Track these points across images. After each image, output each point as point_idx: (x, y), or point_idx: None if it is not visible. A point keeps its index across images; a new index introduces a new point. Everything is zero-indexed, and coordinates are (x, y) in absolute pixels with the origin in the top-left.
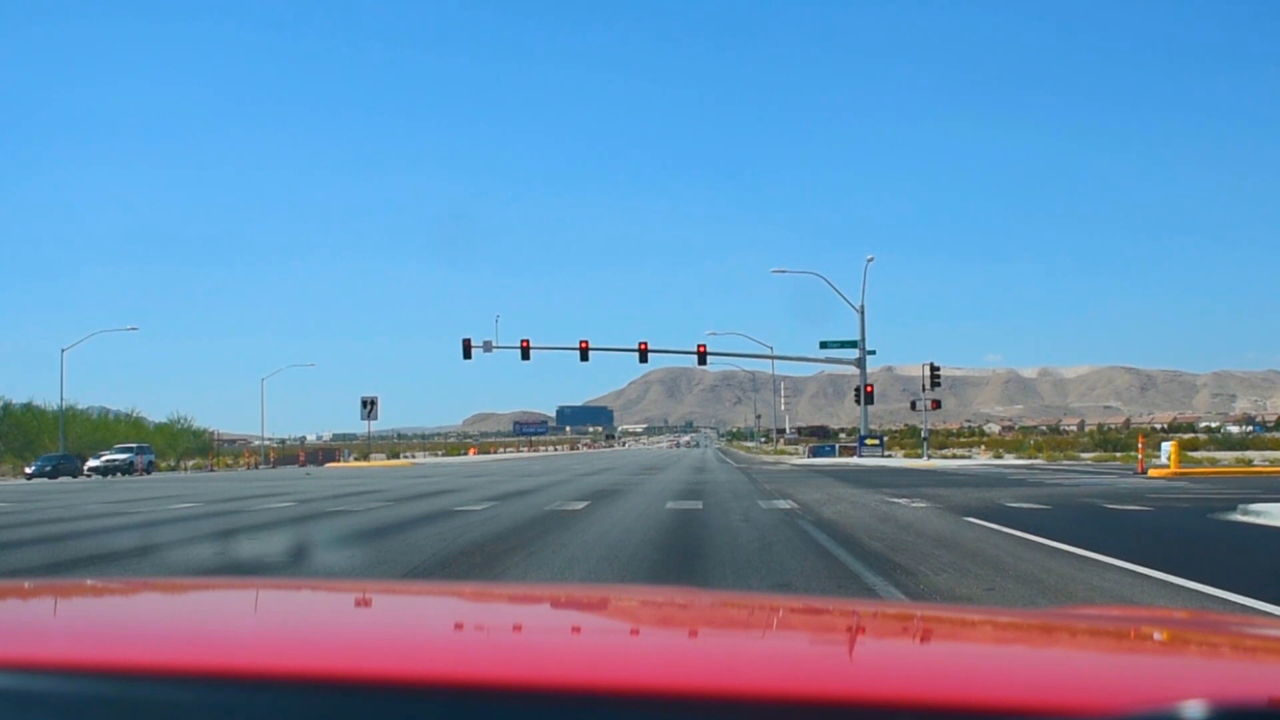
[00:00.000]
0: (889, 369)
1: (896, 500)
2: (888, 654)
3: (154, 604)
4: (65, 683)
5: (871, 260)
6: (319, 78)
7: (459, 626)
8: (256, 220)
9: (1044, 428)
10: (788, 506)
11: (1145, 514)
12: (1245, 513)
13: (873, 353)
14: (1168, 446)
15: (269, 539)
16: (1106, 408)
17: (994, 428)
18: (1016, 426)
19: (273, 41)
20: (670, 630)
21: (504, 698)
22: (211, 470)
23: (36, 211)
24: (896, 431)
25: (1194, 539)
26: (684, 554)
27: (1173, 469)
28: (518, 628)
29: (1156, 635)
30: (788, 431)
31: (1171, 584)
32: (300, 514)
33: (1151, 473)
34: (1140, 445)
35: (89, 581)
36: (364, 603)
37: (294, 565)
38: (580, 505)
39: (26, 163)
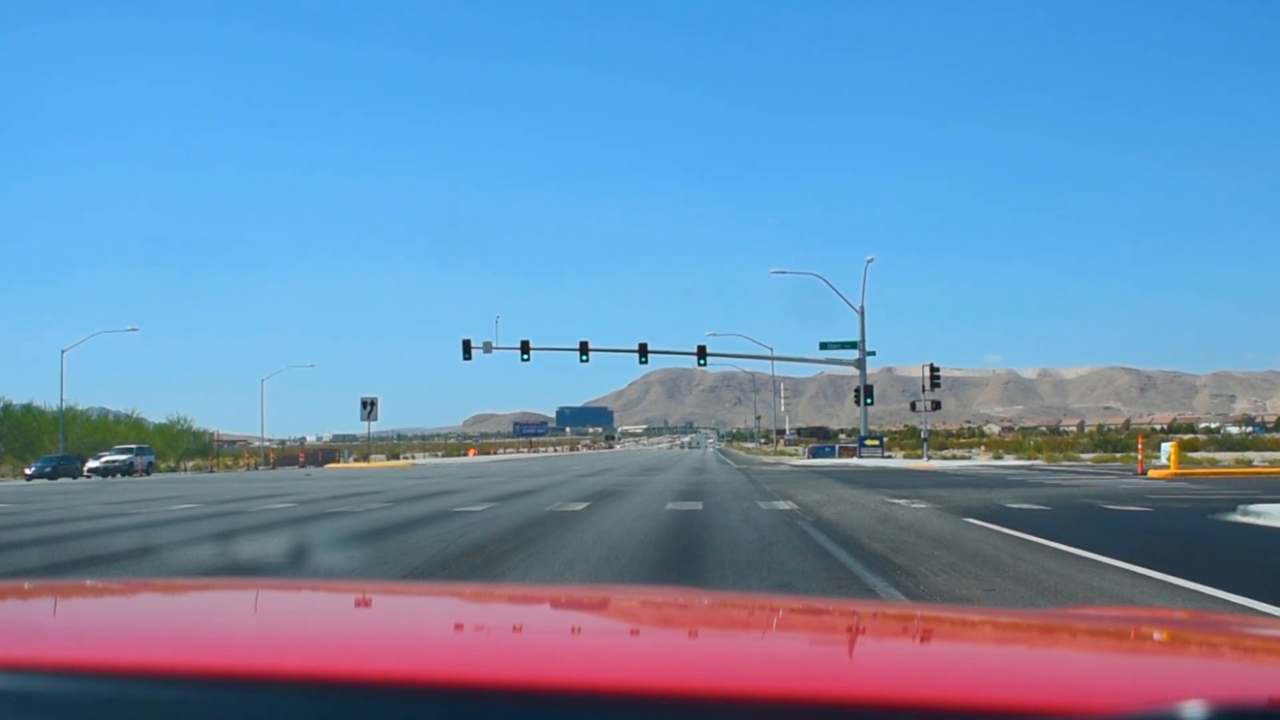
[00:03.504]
0: (889, 370)
1: (896, 501)
2: (888, 654)
3: (154, 604)
4: (65, 683)
5: (871, 261)
6: (319, 78)
7: (459, 627)
8: (256, 220)
9: (1044, 428)
10: (788, 507)
11: (1145, 515)
12: (1245, 513)
13: (873, 353)
14: (1167, 447)
15: (269, 540)
16: (1106, 408)
17: (994, 428)
18: (1016, 427)
19: (273, 41)
20: (670, 630)
21: (504, 698)
22: (211, 471)
23: (36, 211)
24: (896, 432)
25: (1194, 540)
26: (684, 555)
27: (1172, 470)
28: (518, 628)
29: (1156, 635)
30: (788, 432)
31: (1171, 584)
32: (300, 515)
33: (1151, 473)
34: (1140, 446)
35: (89, 582)
36: (364, 603)
37: (294, 566)
38: (580, 506)
39: (26, 163)
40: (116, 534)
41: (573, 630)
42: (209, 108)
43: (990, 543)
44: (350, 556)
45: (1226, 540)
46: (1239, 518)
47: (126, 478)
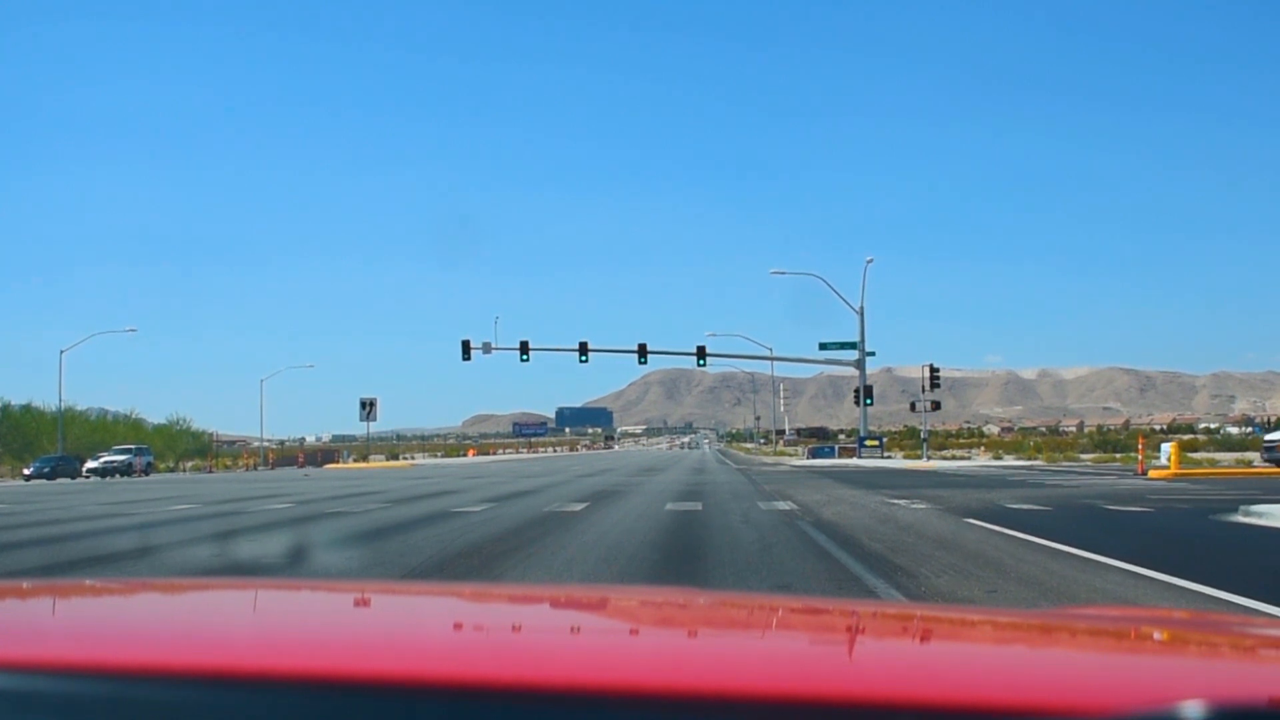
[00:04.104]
0: (888, 370)
1: (896, 501)
2: (888, 654)
3: (153, 604)
4: (65, 683)
5: (871, 261)
6: (319, 78)
7: (458, 627)
8: (256, 220)
9: (1043, 429)
10: (787, 508)
11: (1146, 515)
12: (1245, 514)
13: (872, 354)
14: (1167, 447)
15: (268, 540)
16: (1106, 409)
17: (993, 429)
18: (1016, 428)
19: (273, 41)
20: (670, 630)
21: (504, 698)
22: (210, 472)
23: (36, 211)
24: (896, 433)
25: (1194, 540)
26: (684, 555)
27: (1173, 470)
28: (517, 628)
29: (1156, 635)
30: (787, 433)
31: (1172, 585)
32: (299, 515)
33: (1151, 474)
34: (1140, 446)
35: (88, 582)
36: (363, 603)
37: (293, 566)
38: (579, 506)
39: (26, 163)
40: (115, 534)
41: (572, 630)
42: (209, 108)
43: (991, 543)
44: (349, 557)
45: (1227, 540)
46: (1240, 518)
47: (125, 478)
